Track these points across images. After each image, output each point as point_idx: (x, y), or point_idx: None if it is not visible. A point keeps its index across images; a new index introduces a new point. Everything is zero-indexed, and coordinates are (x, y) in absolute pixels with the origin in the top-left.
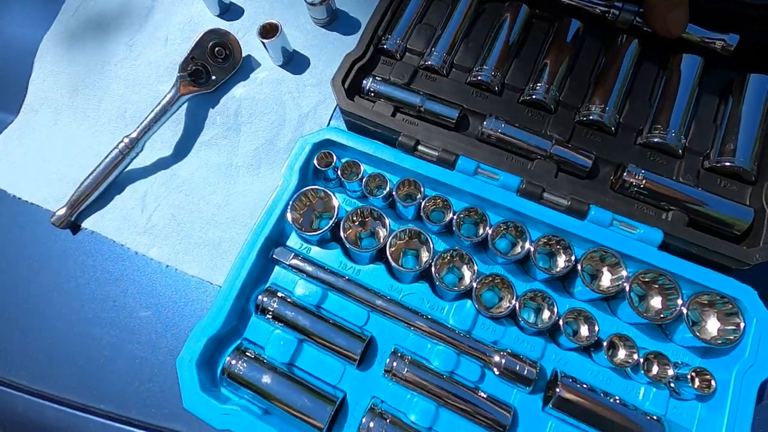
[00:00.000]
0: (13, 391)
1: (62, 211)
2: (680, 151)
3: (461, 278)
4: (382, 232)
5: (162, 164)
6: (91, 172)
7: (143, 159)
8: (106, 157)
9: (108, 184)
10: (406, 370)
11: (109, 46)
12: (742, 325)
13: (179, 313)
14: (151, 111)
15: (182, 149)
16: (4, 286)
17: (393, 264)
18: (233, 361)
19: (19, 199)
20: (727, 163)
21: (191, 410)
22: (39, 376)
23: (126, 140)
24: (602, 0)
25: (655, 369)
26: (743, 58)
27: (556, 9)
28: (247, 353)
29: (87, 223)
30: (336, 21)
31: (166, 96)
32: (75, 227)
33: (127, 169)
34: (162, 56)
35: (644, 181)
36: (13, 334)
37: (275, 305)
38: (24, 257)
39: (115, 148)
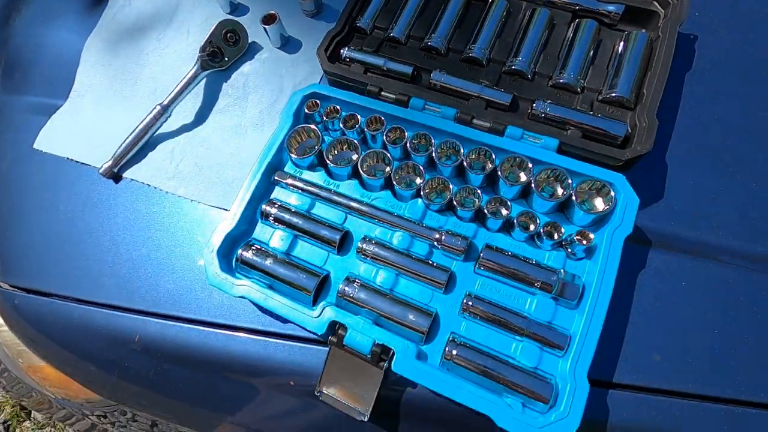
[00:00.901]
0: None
1: (108, 164)
2: (579, 89)
3: (413, 183)
4: (355, 156)
5: (186, 127)
6: (131, 133)
7: (171, 124)
8: (142, 121)
9: (144, 142)
10: (372, 248)
11: (142, 40)
12: (614, 199)
13: (201, 232)
14: (178, 84)
15: (202, 115)
16: (66, 223)
17: (364, 176)
18: (244, 252)
19: (71, 160)
20: (614, 95)
21: (214, 284)
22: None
23: (158, 107)
24: None
25: (555, 235)
26: (626, 20)
27: None
28: (254, 246)
29: (127, 174)
30: (322, 12)
31: (189, 72)
32: (117, 178)
33: (157, 132)
34: (185, 46)
35: (548, 110)
36: (74, 259)
37: (275, 211)
38: (78, 203)
39: (149, 113)
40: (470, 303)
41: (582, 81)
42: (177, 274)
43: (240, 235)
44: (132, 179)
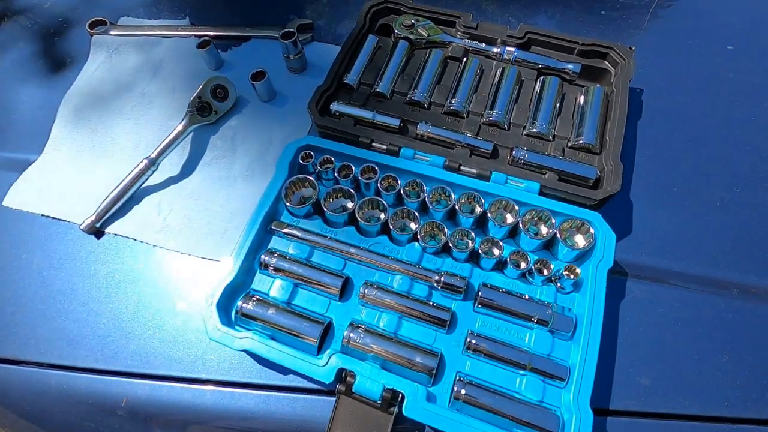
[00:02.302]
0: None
1: (90, 219)
2: (551, 137)
3: (408, 228)
4: (350, 204)
5: (173, 180)
6: (116, 187)
7: (157, 177)
8: (129, 174)
9: (129, 196)
10: (374, 293)
11: (125, 95)
12: (594, 235)
13: (191, 285)
14: (166, 137)
15: (190, 167)
16: (43, 283)
17: (361, 222)
18: (244, 303)
19: (46, 216)
20: (581, 142)
21: (214, 339)
22: (74, 353)
23: (145, 161)
24: (492, 46)
25: (545, 272)
26: (584, 77)
27: (463, 52)
28: (254, 297)
29: (110, 229)
30: (307, 69)
31: (178, 126)
32: (99, 233)
33: (143, 185)
34: (170, 101)
35: (526, 156)
36: (50, 320)
37: (275, 260)
38: (55, 261)
39: (135, 167)
40: (473, 341)
41: (552, 130)
42: (167, 331)
43: (238, 287)
44: (116, 234)
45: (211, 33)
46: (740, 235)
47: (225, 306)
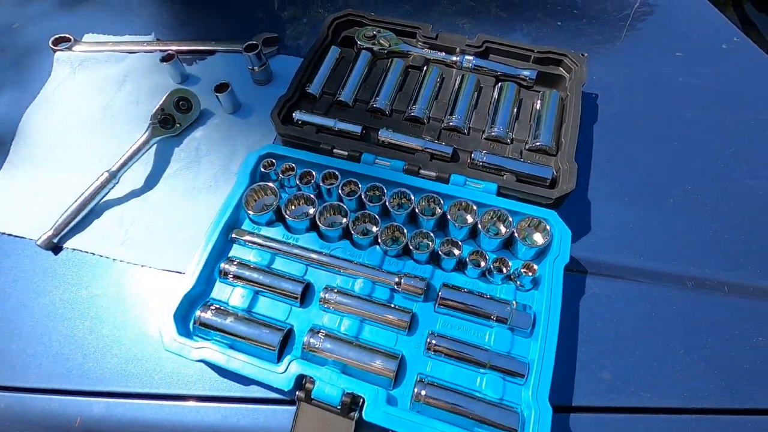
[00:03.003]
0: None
1: (48, 234)
2: (509, 140)
3: (370, 232)
4: (312, 210)
5: (136, 192)
6: (74, 201)
7: (120, 190)
8: (88, 188)
9: (89, 210)
10: (335, 297)
11: (88, 109)
12: (550, 233)
13: (153, 298)
14: (128, 150)
15: (153, 180)
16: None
17: (322, 228)
18: (201, 313)
19: (3, 234)
20: (538, 144)
21: (170, 350)
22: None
23: (106, 174)
24: (451, 55)
25: (504, 270)
26: (541, 83)
27: (424, 61)
28: (213, 306)
29: (69, 244)
30: (272, 81)
31: (140, 138)
32: (57, 249)
33: (105, 199)
34: (134, 115)
35: (485, 159)
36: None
37: (235, 268)
38: (9, 278)
39: (96, 180)
40: (434, 342)
41: (510, 133)
42: (125, 346)
43: (198, 296)
44: (74, 249)
45: (176, 47)
46: (693, 231)
47: (183, 316)
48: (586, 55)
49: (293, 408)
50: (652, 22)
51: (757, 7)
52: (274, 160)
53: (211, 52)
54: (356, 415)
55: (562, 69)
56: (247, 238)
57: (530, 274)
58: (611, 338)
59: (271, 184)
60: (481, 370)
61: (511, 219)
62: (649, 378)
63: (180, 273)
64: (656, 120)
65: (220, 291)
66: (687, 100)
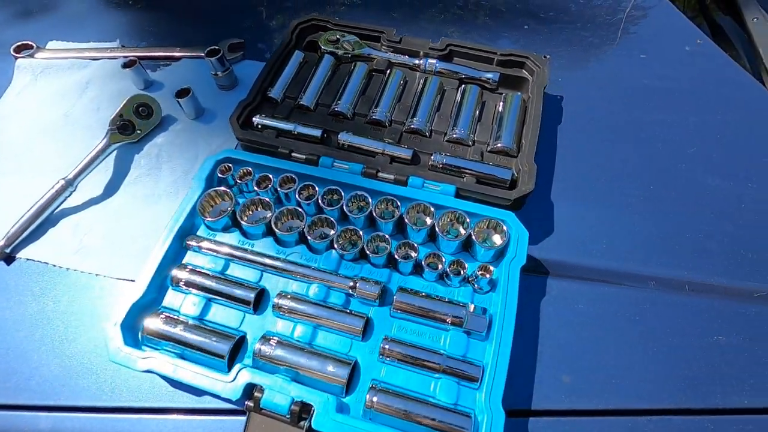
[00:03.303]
0: None
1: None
2: (470, 142)
3: (327, 236)
4: (269, 214)
5: (94, 200)
6: (28, 210)
7: (77, 198)
8: (43, 196)
9: (43, 219)
10: (288, 303)
11: (49, 117)
12: (507, 234)
13: (106, 308)
14: (85, 157)
15: (112, 187)
16: None
17: (278, 233)
18: (150, 322)
19: None
20: (499, 145)
21: (116, 361)
22: None
23: (62, 182)
24: (414, 58)
25: (461, 272)
26: (504, 85)
27: (387, 65)
28: (162, 314)
29: (22, 254)
30: (237, 86)
31: (98, 145)
32: (9, 259)
33: (61, 207)
34: (95, 121)
35: (445, 161)
36: None
37: (186, 275)
38: None
39: (51, 188)
40: (387, 347)
41: (472, 136)
42: (75, 358)
43: (148, 305)
44: (28, 259)
45: (140, 54)
46: (655, 231)
47: (132, 326)
48: (548, 57)
49: (244, 418)
50: (617, 25)
51: (722, 10)
52: (231, 165)
53: (176, 59)
54: (306, 424)
55: (524, 71)
56: (202, 244)
57: (487, 276)
58: (572, 340)
59: (227, 189)
60: (436, 375)
61: (468, 221)
62: (610, 380)
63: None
64: (620, 121)
65: (172, 299)
66: (650, 101)
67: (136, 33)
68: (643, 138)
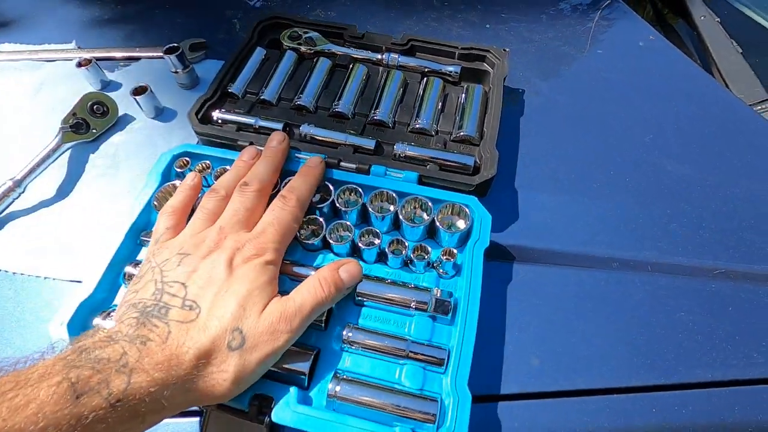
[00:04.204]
0: None
1: None
2: (433, 132)
3: None
4: None
5: (46, 202)
6: None
7: (27, 200)
8: None
9: None
10: None
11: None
12: (471, 217)
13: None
14: (35, 157)
15: (66, 188)
16: None
17: None
18: (100, 320)
19: None
20: (462, 134)
21: None
22: None
23: (9, 183)
24: (377, 53)
25: (425, 257)
26: (464, 78)
27: (350, 60)
28: (112, 313)
29: None
30: (198, 85)
31: (49, 144)
32: None
33: (9, 209)
34: (49, 122)
35: (408, 150)
36: None
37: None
38: None
39: None
40: (350, 334)
41: (435, 126)
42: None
43: (99, 304)
44: None
45: (98, 54)
46: (616, 214)
47: (82, 327)
48: (507, 50)
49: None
50: (575, 23)
51: (673, 11)
52: (188, 159)
53: (135, 59)
54: (267, 418)
55: (485, 64)
56: None
57: (451, 259)
58: (539, 324)
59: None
60: (401, 361)
61: (431, 206)
62: (579, 360)
63: None
64: (581, 113)
65: None
66: (609, 93)
67: (95, 35)
68: (603, 128)
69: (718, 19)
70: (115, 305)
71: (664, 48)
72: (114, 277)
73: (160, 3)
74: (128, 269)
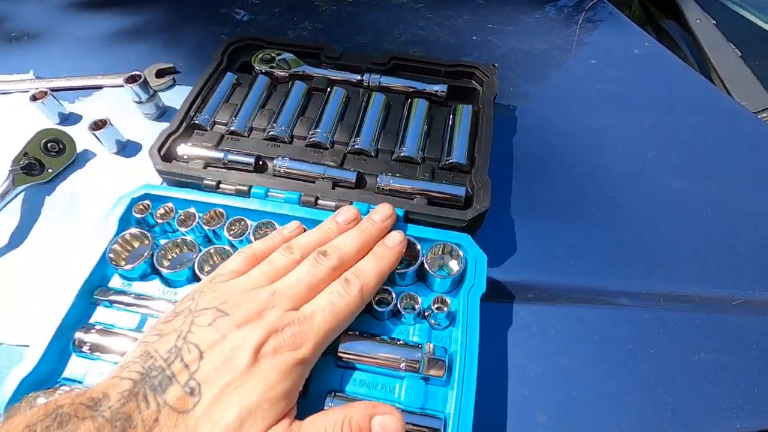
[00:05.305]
0: None
1: None
2: (420, 159)
3: None
4: (194, 256)
5: None
6: None
7: None
8: None
9: None
10: None
11: None
12: (464, 258)
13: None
14: None
15: (18, 236)
16: None
17: (203, 277)
18: (42, 399)
19: None
20: (450, 161)
21: None
22: None
23: None
24: (356, 74)
25: (415, 307)
26: (451, 97)
27: (327, 82)
28: (59, 390)
29: None
30: (167, 115)
31: None
32: None
33: None
34: (4, 161)
35: (392, 182)
36: None
37: (93, 337)
38: None
39: None
40: (332, 405)
41: (421, 153)
42: None
43: (46, 377)
44: None
45: (57, 84)
46: (623, 241)
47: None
48: (496, 65)
49: None
50: (564, 32)
51: (666, 16)
52: (149, 203)
53: (97, 87)
54: None
55: (474, 82)
56: (112, 297)
57: (444, 309)
58: (545, 372)
59: (144, 231)
60: None
61: (419, 247)
62: (590, 415)
63: None
64: (576, 128)
65: (76, 368)
66: (605, 105)
67: (55, 63)
68: (602, 144)
69: (714, 22)
70: (64, 378)
71: (661, 55)
72: (64, 344)
73: (143, 19)
74: (78, 335)
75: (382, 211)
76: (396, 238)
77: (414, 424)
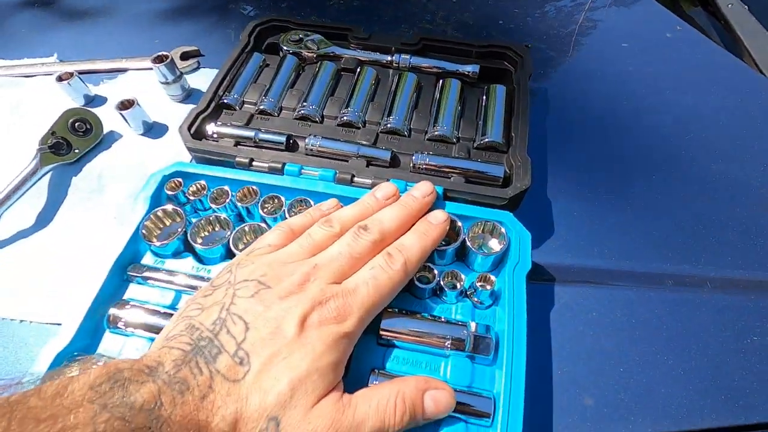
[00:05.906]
0: None
1: None
2: (454, 139)
3: None
4: (228, 233)
5: (23, 233)
6: None
7: (1, 232)
8: None
9: None
10: None
11: None
12: (507, 236)
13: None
14: (10, 182)
15: (46, 216)
16: None
17: (238, 254)
18: (75, 370)
19: None
20: (486, 140)
21: None
22: None
23: None
24: (386, 55)
25: (458, 285)
26: (481, 77)
27: (356, 63)
28: (92, 361)
29: None
30: (192, 97)
31: (25, 169)
32: None
33: None
34: (31, 142)
35: (428, 161)
36: None
37: (127, 314)
38: None
39: None
40: (376, 383)
41: (456, 132)
42: None
43: (80, 353)
44: None
45: (81, 67)
46: (664, 223)
47: None
48: (530, 45)
49: None
50: (595, 16)
51: (692, 1)
52: (181, 180)
53: (122, 70)
54: None
55: (506, 63)
56: (146, 274)
57: (488, 287)
58: (590, 354)
59: (176, 208)
60: None
61: (460, 225)
62: (639, 398)
63: None
64: (611, 110)
65: (110, 344)
66: (639, 88)
67: (79, 47)
68: (638, 125)
69: (746, 6)
70: (99, 354)
71: (694, 38)
72: (97, 320)
73: (151, 13)
74: (113, 311)
75: (423, 188)
76: (440, 216)
77: (463, 403)
